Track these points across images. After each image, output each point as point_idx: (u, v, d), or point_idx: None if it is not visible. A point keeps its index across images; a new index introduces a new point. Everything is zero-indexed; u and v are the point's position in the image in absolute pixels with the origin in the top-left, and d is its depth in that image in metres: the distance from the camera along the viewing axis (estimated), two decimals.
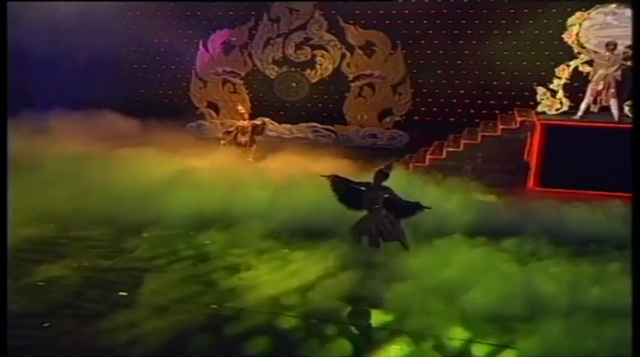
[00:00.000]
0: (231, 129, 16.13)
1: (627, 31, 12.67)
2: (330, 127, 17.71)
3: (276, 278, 8.87)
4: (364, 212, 9.72)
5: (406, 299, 7.97)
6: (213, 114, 18.53)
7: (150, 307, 8.01)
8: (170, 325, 7.55)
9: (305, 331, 7.44)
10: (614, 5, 13.25)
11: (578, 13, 13.57)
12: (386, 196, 9.58)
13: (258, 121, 16.40)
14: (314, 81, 17.59)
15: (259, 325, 7.53)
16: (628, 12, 12.88)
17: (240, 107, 16.61)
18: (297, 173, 13.06)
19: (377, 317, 7.80)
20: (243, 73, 18.11)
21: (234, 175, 13.31)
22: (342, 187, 9.86)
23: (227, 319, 7.71)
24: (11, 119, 15.28)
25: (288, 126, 17.84)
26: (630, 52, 12.66)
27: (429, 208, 9.48)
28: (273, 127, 17.52)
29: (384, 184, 9.62)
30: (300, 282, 8.73)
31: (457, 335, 7.29)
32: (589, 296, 8.03)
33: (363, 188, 9.73)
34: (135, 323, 7.58)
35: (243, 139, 15.72)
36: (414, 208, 9.54)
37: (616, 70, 12.89)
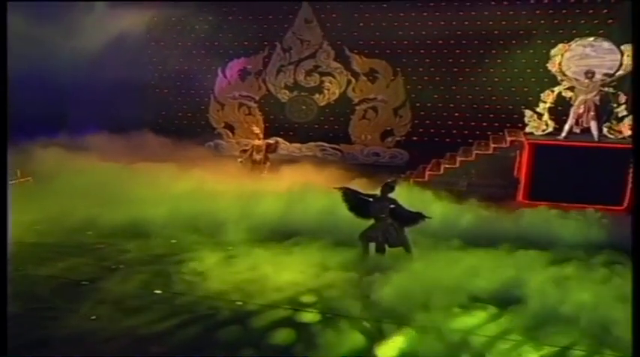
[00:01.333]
0: (247, 148, 16.43)
1: (604, 60, 13.03)
2: (336, 146, 17.77)
3: (297, 277, 9.09)
4: (372, 221, 9.86)
5: (408, 297, 8.18)
6: (230, 134, 18.69)
7: (179, 301, 8.32)
8: (200, 318, 7.84)
9: (322, 323, 7.67)
10: (591, 39, 13.51)
11: (560, 45, 13.68)
12: (391, 206, 9.77)
13: (271, 141, 16.66)
14: (322, 104, 17.76)
15: (282, 318, 7.82)
16: (605, 44, 13.21)
17: (254, 128, 16.83)
18: (307, 186, 13.26)
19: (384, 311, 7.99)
20: (257, 97, 18.28)
21: (249, 188, 13.56)
22: (352, 198, 10.09)
23: (252, 312, 7.96)
24: (48, 139, 16.06)
25: (298, 145, 17.91)
26: (607, 80, 13.00)
27: (430, 217, 9.68)
28: (284, 146, 17.64)
29: (390, 195, 9.84)
30: (318, 281, 8.98)
31: (456, 327, 7.54)
32: (574, 295, 8.20)
33: (370, 199, 9.95)
34: (170, 316, 7.86)
35: (258, 156, 16.06)
36: (417, 217, 9.71)
37: (595, 95, 13.15)
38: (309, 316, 7.95)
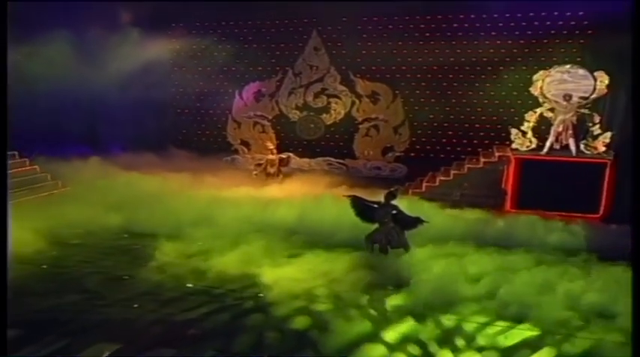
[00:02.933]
0: (261, 162, 16.76)
1: (579, 85, 13.14)
2: (341, 161, 17.84)
3: (310, 274, 9.43)
4: (376, 225, 10.16)
5: (411, 290, 8.69)
6: (245, 150, 18.77)
7: (208, 293, 8.79)
8: (228, 307, 8.31)
9: (333, 312, 8.09)
10: (568, 66, 13.54)
11: (541, 71, 13.74)
12: (394, 212, 10.07)
13: (284, 156, 16.90)
14: (329, 123, 17.85)
15: (299, 307, 8.24)
16: (580, 71, 13.28)
17: (268, 144, 17.10)
18: (317, 195, 13.66)
19: (390, 302, 8.47)
20: (270, 117, 18.38)
21: (265, 197, 13.92)
22: (359, 205, 10.37)
23: (273, 303, 8.39)
24: (84, 153, 16.40)
25: (307, 160, 17.91)
26: (583, 102, 13.16)
27: (427, 222, 9.94)
28: (295, 161, 17.59)
29: (392, 202, 10.15)
30: (329, 277, 9.31)
31: (452, 315, 7.95)
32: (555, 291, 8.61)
33: (375, 206, 10.25)
34: (201, 305, 8.34)
35: (271, 170, 16.44)
36: (416, 222, 9.95)
37: (572, 116, 13.17)
38: (323, 306, 8.30)
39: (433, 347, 7.27)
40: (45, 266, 9.98)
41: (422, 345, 7.31)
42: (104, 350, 7.05)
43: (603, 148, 12.99)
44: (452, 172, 14.68)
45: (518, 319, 7.87)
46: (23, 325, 7.51)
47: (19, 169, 14.69)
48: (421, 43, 16.49)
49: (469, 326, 7.74)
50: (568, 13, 14.79)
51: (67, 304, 8.41)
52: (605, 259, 10.01)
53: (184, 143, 18.72)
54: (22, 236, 10.61)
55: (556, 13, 14.92)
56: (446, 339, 7.46)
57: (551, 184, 12.98)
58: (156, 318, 8.03)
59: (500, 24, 15.58)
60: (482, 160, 14.52)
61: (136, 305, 8.41)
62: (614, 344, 7.19)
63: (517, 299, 8.34)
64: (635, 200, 6.17)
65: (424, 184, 14.69)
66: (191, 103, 19.14)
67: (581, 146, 13.23)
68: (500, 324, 7.78)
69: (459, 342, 7.38)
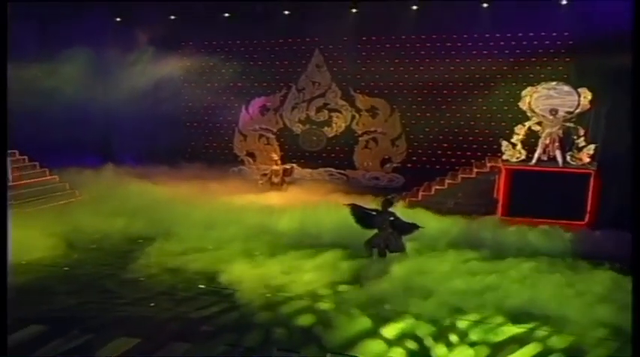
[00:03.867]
0: (266, 172, 16.83)
1: (565, 101, 13.19)
2: (342, 172, 17.87)
3: (314, 276, 9.59)
4: (375, 231, 10.21)
5: (406, 290, 8.84)
6: (251, 161, 18.81)
7: (220, 293, 8.98)
8: (238, 306, 8.52)
9: (336, 310, 8.32)
10: (554, 83, 13.57)
11: (529, 88, 13.77)
12: (391, 218, 10.12)
13: (288, 166, 16.95)
14: (330, 136, 17.89)
15: (304, 306, 8.45)
16: (565, 88, 13.32)
17: (273, 155, 17.24)
18: (319, 204, 13.75)
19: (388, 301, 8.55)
20: (275, 130, 18.44)
21: (270, 205, 14.07)
22: (359, 212, 10.42)
23: (280, 302, 8.62)
24: (99, 164, 16.42)
25: (309, 170, 17.91)
26: (568, 116, 13.25)
27: (423, 227, 10.10)
28: (297, 171, 17.47)
29: (390, 210, 10.31)
30: (331, 278, 9.52)
31: (444, 314, 8.09)
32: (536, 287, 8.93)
33: (374, 213, 10.33)
34: (213, 304, 8.58)
35: (276, 179, 16.54)
36: (412, 227, 10.07)
37: (558, 129, 13.27)
38: (326, 305, 8.52)
39: (429, 342, 7.43)
40: (66, 268, 10.20)
41: (418, 340, 7.47)
42: (125, 344, 7.22)
43: (588, 159, 13.09)
44: (446, 181, 14.75)
45: (507, 317, 8.06)
46: (49, 321, 7.80)
47: (40, 179, 14.99)
48: (417, 61, 16.66)
49: (462, 323, 7.93)
50: (554, 34, 14.99)
51: (89, 303, 8.65)
52: (589, 262, 10.25)
53: (193, 154, 18.81)
54: (44, 241, 10.97)
55: (543, 34, 15.13)
56: (441, 335, 7.62)
57: (540, 193, 13.05)
58: (171, 315, 8.23)
59: (491, 43, 15.77)
60: (475, 170, 14.59)
61: (152, 304, 8.64)
62: (595, 339, 7.43)
63: (507, 299, 8.53)
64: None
65: (420, 193, 14.71)
66: (200, 117, 19.20)
67: (567, 157, 13.34)
68: (491, 321, 7.97)
69: (453, 338, 7.56)
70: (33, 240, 10.79)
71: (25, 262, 10.05)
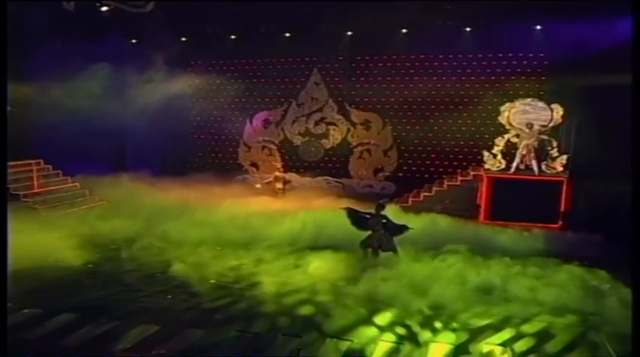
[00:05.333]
0: (269, 180, 17.25)
1: (539, 115, 13.58)
2: (338, 180, 17.96)
3: (313, 273, 9.97)
4: (369, 232, 10.56)
5: (397, 283, 9.23)
6: (255, 170, 18.88)
7: (228, 288, 9.33)
8: (246, 297, 8.92)
9: (334, 302, 8.65)
10: (529, 99, 14.01)
11: (507, 103, 14.11)
12: (384, 221, 10.43)
13: (287, 176, 17.35)
14: (327, 147, 18.05)
15: (305, 298, 8.82)
16: (539, 104, 13.69)
17: (277, 164, 17.58)
18: (316, 209, 14.02)
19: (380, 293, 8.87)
20: (277, 141, 18.59)
21: (272, 210, 14.39)
22: (354, 215, 10.74)
23: (283, 294, 8.98)
24: (114, 176, 16.63)
25: (308, 179, 17.92)
26: (543, 129, 13.56)
27: (413, 228, 10.46)
28: (297, 180, 17.76)
29: (382, 213, 10.62)
30: (330, 275, 9.84)
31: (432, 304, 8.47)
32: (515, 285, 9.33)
33: (368, 216, 10.62)
34: (223, 297, 8.91)
35: (278, 186, 16.96)
36: (403, 228, 10.39)
37: (534, 141, 13.62)
38: (325, 297, 8.84)
39: (416, 328, 7.82)
40: (91, 265, 10.58)
41: (407, 327, 7.86)
42: (146, 330, 7.60)
43: (561, 168, 13.45)
44: (434, 188, 15.07)
45: (485, 306, 8.50)
46: (79, 311, 8.18)
47: (63, 186, 15.36)
48: (407, 78, 16.91)
49: (446, 312, 8.32)
50: (530, 54, 15.31)
51: (113, 295, 9.06)
52: (562, 260, 10.60)
53: (201, 164, 18.92)
54: (70, 241, 11.36)
55: (520, 54, 15.46)
56: (427, 322, 8.02)
57: (518, 199, 13.31)
58: (186, 306, 8.61)
59: (474, 63, 16.01)
60: (459, 178, 14.87)
61: (169, 296, 9.03)
62: (562, 326, 7.88)
63: (486, 290, 9.04)
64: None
65: (410, 199, 14.99)
66: (207, 130, 19.31)
67: (543, 166, 13.63)
68: (471, 310, 8.37)
69: (437, 324, 7.98)
70: (60, 240, 11.24)
71: (54, 260, 10.41)
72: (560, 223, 13.19)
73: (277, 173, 17.24)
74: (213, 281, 9.78)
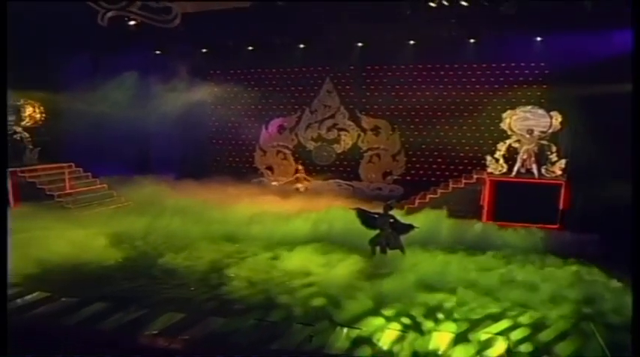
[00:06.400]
0: (290, 180, 17.85)
1: (539, 122, 13.65)
2: (349, 183, 17.98)
3: (325, 268, 10.37)
4: (377, 231, 10.79)
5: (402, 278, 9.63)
6: (270, 173, 19.02)
7: (247, 280, 9.71)
8: (263, 290, 9.27)
9: (344, 294, 8.97)
10: (530, 107, 13.99)
11: (509, 111, 14.15)
12: (391, 220, 10.69)
13: (307, 177, 17.68)
14: (339, 152, 18.07)
15: (317, 291, 9.16)
16: (539, 111, 13.74)
17: (299, 166, 17.90)
18: (330, 209, 14.13)
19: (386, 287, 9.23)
20: (291, 146, 18.67)
21: (287, 210, 14.57)
22: (363, 215, 10.99)
23: (297, 287, 9.36)
24: (139, 178, 17.05)
25: (320, 182, 17.95)
26: (543, 135, 13.65)
27: (418, 227, 10.65)
28: (310, 183, 17.75)
29: (390, 213, 10.90)
30: (340, 270, 10.23)
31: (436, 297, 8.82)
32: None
33: (376, 216, 10.86)
34: (243, 289, 9.32)
35: (298, 186, 17.43)
36: (409, 228, 10.62)
37: (534, 146, 13.70)
38: (335, 290, 9.15)
39: (420, 319, 8.17)
40: (120, 260, 11.02)
41: (411, 317, 8.21)
42: (172, 318, 8.06)
43: (559, 172, 13.57)
44: (439, 191, 15.11)
45: (484, 299, 8.81)
46: (110, 300, 8.67)
47: (92, 187, 15.87)
48: (414, 87, 16.93)
49: (448, 304, 8.66)
50: (532, 64, 15.39)
51: (140, 286, 9.52)
52: (560, 258, 10.90)
53: (220, 167, 19.13)
54: (101, 237, 11.84)
55: (522, 64, 15.58)
56: (430, 313, 8.37)
57: (519, 201, 13.39)
58: (208, 297, 9.06)
59: (478, 72, 16.09)
60: (463, 181, 14.91)
61: (192, 288, 9.48)
62: (555, 317, 8.17)
63: (485, 285, 9.32)
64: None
65: (417, 201, 15.08)
66: (225, 135, 19.52)
67: (542, 170, 13.74)
68: (471, 303, 8.69)
69: (440, 315, 8.33)
70: (91, 237, 11.75)
71: (86, 254, 10.87)
72: (559, 223, 13.27)
73: (298, 174, 17.54)
74: (232, 275, 10.16)
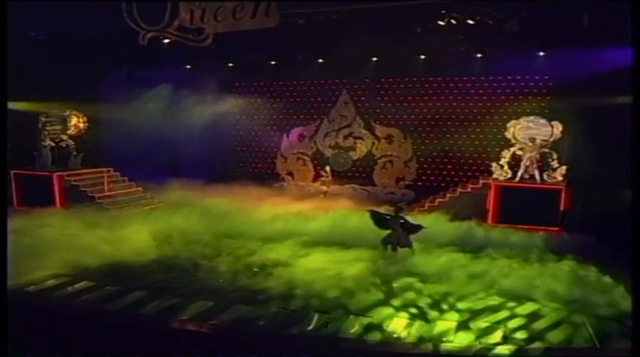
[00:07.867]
0: (321, 180, 18.16)
1: (541, 131, 13.83)
2: (364, 188, 18.24)
3: (341, 264, 10.63)
4: (389, 231, 11.04)
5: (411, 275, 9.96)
6: (290, 179, 19.37)
7: (269, 275, 10.11)
8: (284, 283, 9.63)
9: (358, 286, 9.37)
10: (532, 117, 14.18)
11: (513, 120, 14.36)
12: (402, 221, 10.93)
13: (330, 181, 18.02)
14: (355, 158, 18.33)
15: (333, 283, 9.50)
16: (541, 120, 13.88)
17: (322, 172, 18.13)
18: (346, 211, 14.61)
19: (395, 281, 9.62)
20: (310, 153, 19.00)
21: (306, 212, 14.96)
22: (376, 216, 11.29)
23: (313, 281, 9.60)
24: (170, 182, 17.64)
25: (338, 186, 18.17)
26: (544, 143, 13.75)
27: (427, 228, 10.90)
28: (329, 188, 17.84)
29: (401, 214, 11.23)
30: (354, 267, 10.43)
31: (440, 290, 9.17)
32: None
33: (388, 217, 11.16)
34: (266, 281, 9.69)
35: (324, 188, 17.87)
36: (419, 228, 10.83)
37: (536, 154, 13.84)
38: (349, 283, 9.54)
39: (426, 309, 8.54)
40: (154, 256, 11.52)
41: (419, 308, 8.59)
42: (203, 306, 8.53)
43: (560, 178, 13.73)
44: (448, 195, 15.25)
45: (485, 292, 9.17)
46: (147, 289, 9.26)
47: (129, 190, 16.52)
48: (425, 98, 17.23)
49: (452, 296, 9.01)
50: (534, 77, 15.65)
51: (173, 278, 10.04)
52: (559, 257, 11.10)
53: (244, 173, 19.44)
54: (136, 235, 12.43)
55: (525, 77, 15.82)
56: (435, 304, 8.75)
57: (522, 205, 13.51)
58: (235, 288, 9.54)
59: (485, 84, 16.40)
60: (470, 186, 15.05)
61: (221, 280, 9.98)
62: (550, 309, 8.48)
63: (489, 280, 9.66)
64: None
65: (427, 205, 15.30)
66: (249, 143, 19.88)
67: (544, 176, 13.86)
68: (473, 296, 9.04)
69: (444, 306, 8.69)
70: (129, 234, 12.39)
71: (125, 250, 11.50)
72: (559, 225, 13.42)
73: (323, 178, 17.90)
74: (255, 269, 10.63)
